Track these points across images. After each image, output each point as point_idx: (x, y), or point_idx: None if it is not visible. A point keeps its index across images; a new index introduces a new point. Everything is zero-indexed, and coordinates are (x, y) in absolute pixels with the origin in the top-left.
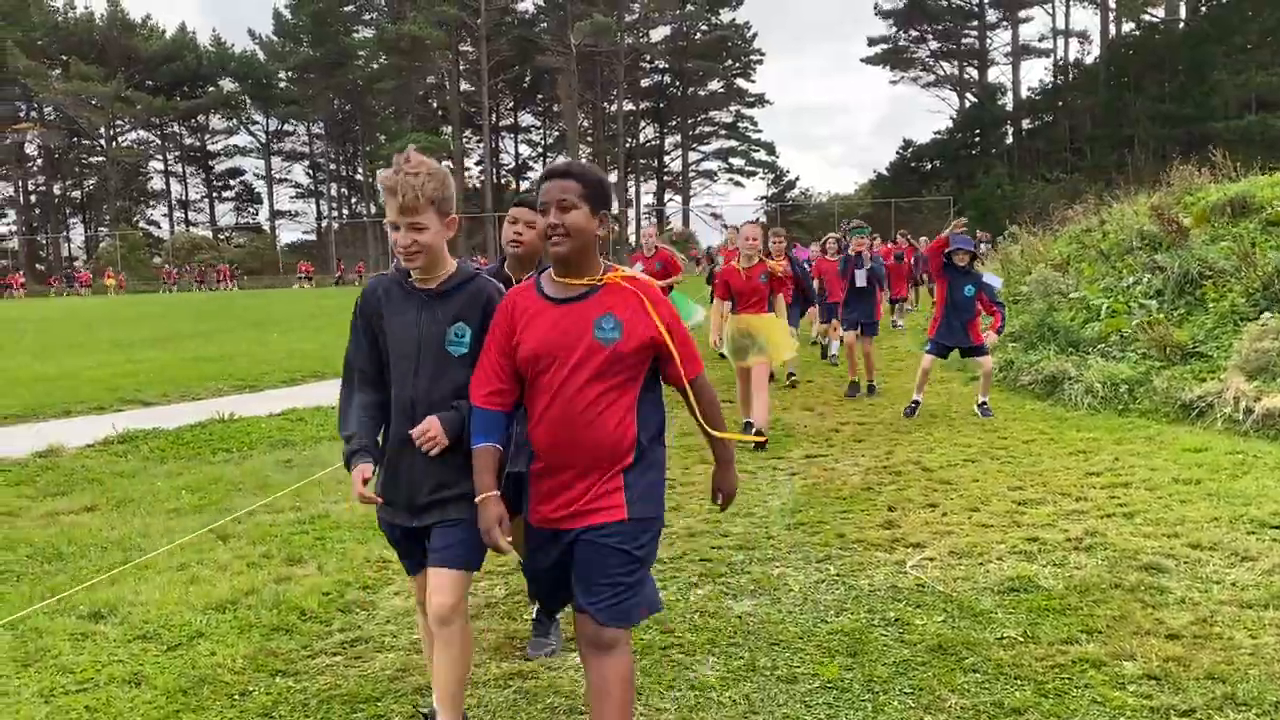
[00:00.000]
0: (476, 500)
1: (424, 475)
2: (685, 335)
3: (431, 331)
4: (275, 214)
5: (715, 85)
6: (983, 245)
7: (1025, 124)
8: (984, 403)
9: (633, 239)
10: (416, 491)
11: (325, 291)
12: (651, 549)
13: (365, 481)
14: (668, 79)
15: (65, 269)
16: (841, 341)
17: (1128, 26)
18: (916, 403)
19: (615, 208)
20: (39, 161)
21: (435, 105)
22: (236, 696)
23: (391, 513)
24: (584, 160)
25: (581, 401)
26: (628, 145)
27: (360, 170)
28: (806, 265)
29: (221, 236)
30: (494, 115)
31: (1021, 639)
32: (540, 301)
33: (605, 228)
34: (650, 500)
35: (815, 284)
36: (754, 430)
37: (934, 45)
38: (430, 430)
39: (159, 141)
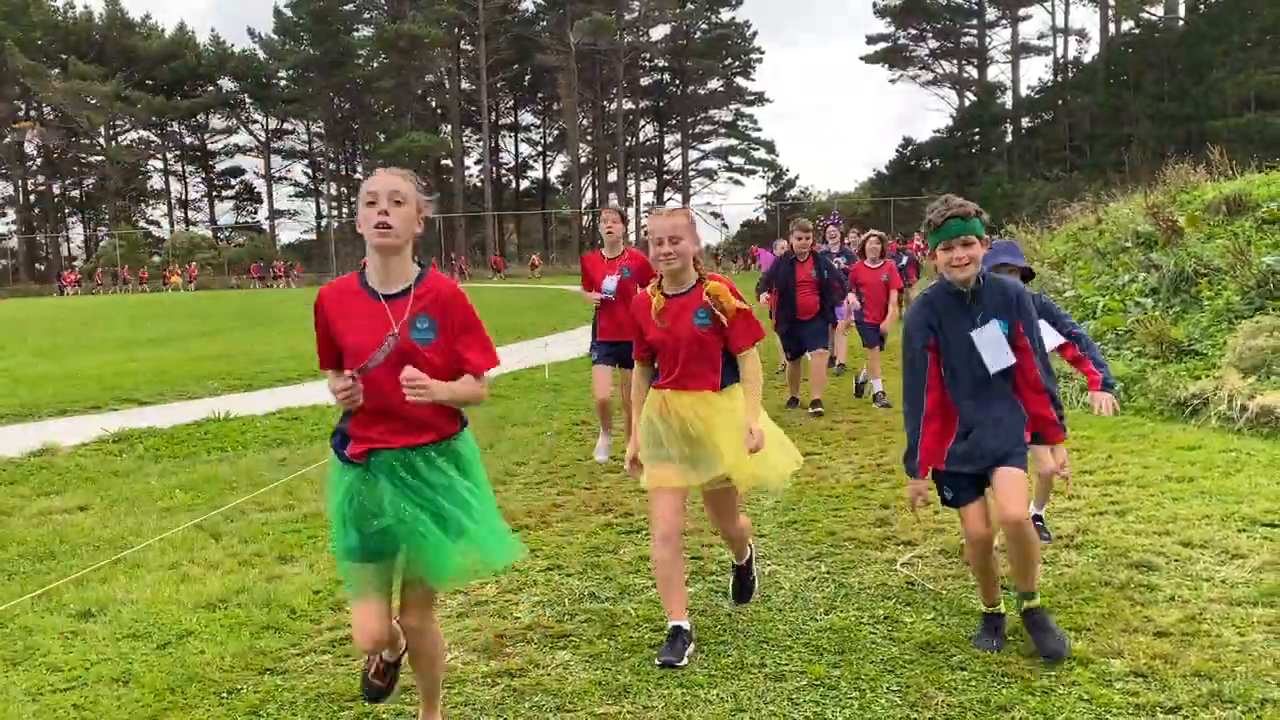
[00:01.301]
0: None
1: None
2: None
3: None
4: (275, 213)
5: (715, 84)
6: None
7: (1025, 122)
8: (1038, 516)
9: (634, 238)
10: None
11: None
12: None
13: None
14: (667, 77)
15: (111, 267)
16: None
17: (1127, 25)
18: None
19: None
20: (38, 161)
21: (434, 104)
22: (224, 695)
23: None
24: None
25: None
26: (627, 144)
27: (359, 169)
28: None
29: (221, 236)
30: (493, 114)
31: (1010, 636)
32: None
33: None
34: None
35: (851, 297)
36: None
37: (933, 44)
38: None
39: (158, 141)
